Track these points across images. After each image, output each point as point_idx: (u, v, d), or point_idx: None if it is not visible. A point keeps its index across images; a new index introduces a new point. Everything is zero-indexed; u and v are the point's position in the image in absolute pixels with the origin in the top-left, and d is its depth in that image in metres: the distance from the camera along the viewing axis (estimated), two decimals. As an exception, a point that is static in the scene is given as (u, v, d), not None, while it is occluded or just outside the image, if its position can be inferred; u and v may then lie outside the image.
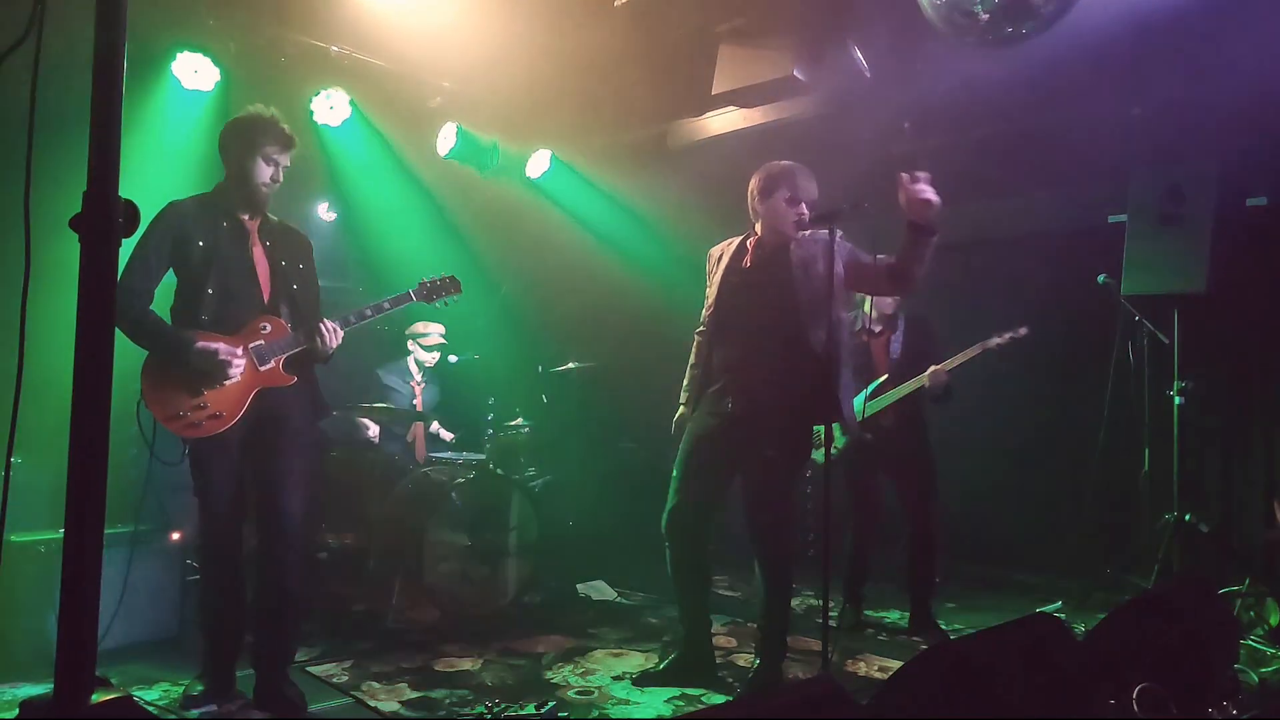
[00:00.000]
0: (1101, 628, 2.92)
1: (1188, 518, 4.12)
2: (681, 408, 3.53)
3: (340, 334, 3.04)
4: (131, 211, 1.02)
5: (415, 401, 5.34)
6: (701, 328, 3.55)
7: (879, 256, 3.19)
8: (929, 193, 2.86)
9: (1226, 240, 3.94)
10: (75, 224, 0.97)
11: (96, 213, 0.97)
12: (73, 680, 0.99)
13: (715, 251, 3.56)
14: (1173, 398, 4.20)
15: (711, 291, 3.46)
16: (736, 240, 3.51)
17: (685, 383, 3.56)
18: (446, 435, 5.48)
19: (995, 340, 4.06)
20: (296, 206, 6.02)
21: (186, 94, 4.62)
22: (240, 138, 2.95)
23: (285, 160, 3.00)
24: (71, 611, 1.00)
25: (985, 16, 2.85)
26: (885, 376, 4.16)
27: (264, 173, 2.95)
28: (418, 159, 5.90)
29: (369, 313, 3.14)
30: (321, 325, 2.99)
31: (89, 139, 0.98)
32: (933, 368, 4.05)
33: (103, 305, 0.98)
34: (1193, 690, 2.73)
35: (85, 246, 0.97)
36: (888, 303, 4.18)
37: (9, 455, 1.17)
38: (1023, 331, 4.05)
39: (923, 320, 4.33)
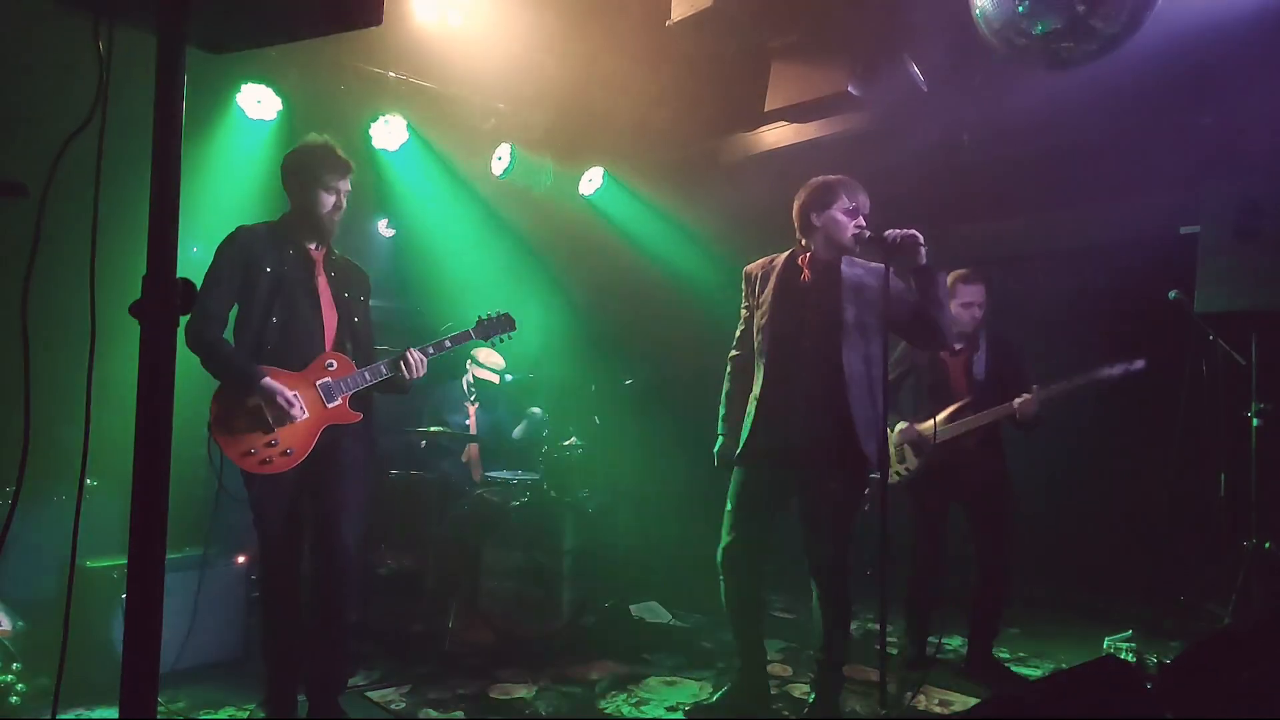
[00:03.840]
0: (1174, 667, 2.80)
1: (1267, 545, 3.95)
2: (721, 438, 3.46)
3: (425, 364, 3.12)
4: (188, 290, 1.04)
5: (469, 422, 5.40)
6: (736, 352, 3.48)
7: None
8: (909, 231, 3.02)
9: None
10: (135, 310, 1.00)
11: (156, 297, 0.99)
12: (137, 707, 1.03)
13: (754, 271, 3.43)
14: (1250, 419, 4.02)
15: (761, 313, 3.33)
16: (780, 258, 3.38)
17: (723, 411, 3.48)
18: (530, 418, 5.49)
19: (1106, 371, 3.68)
20: (356, 226, 6.17)
21: (251, 124, 4.77)
22: (299, 171, 3.00)
23: (346, 186, 3.05)
24: (135, 637, 1.03)
25: (1045, 39, 2.77)
26: (967, 399, 3.81)
27: (327, 203, 3.00)
28: (474, 180, 5.99)
29: (431, 350, 3.21)
30: (409, 354, 3.09)
31: (148, 223, 1.00)
32: (1024, 396, 3.68)
33: (163, 387, 1.00)
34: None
35: (145, 330, 0.99)
36: (966, 320, 3.86)
37: (81, 484, 1.21)
38: (1139, 364, 3.67)
39: (1006, 340, 3.98)
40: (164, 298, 0.99)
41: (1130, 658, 3.47)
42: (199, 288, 2.87)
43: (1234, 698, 2.45)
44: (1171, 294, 4.18)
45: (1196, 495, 4.46)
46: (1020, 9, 2.72)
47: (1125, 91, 4.03)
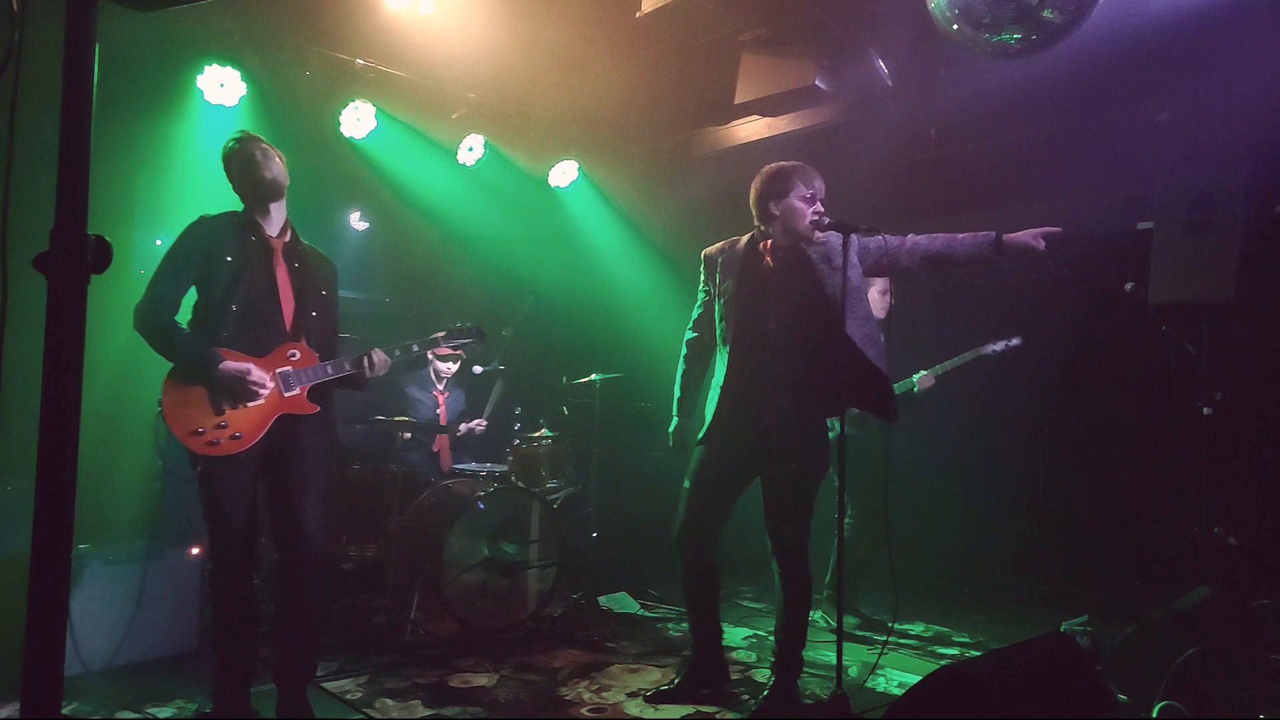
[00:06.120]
0: (1122, 645, 2.85)
1: (1216, 530, 4.01)
2: (676, 420, 3.48)
3: (388, 365, 3.12)
4: (102, 248, 1.03)
5: (439, 411, 5.37)
6: (693, 334, 3.50)
7: (909, 236, 3.27)
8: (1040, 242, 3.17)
9: (1255, 248, 3.82)
10: (41, 264, 0.98)
11: (65, 251, 0.98)
12: (40, 705, 1.01)
13: (714, 254, 3.44)
14: (1201, 408, 4.08)
15: (724, 300, 3.34)
16: (740, 242, 3.40)
17: (677, 394, 3.51)
18: (479, 427, 5.44)
19: (990, 348, 4.28)
20: (327, 218, 6.13)
21: (213, 108, 4.71)
22: (237, 154, 2.99)
23: (273, 152, 3.02)
24: (39, 637, 1.01)
25: (995, 27, 2.81)
26: None
27: (265, 165, 2.96)
28: (443, 170, 5.96)
29: (397, 353, 3.22)
30: (374, 354, 3.08)
31: (57, 174, 0.98)
32: (923, 373, 4.29)
33: (71, 346, 0.98)
34: (1219, 704, 2.66)
35: (52, 286, 0.98)
36: (882, 306, 4.21)
37: None
38: (1016, 341, 4.25)
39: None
40: (73, 252, 0.98)
41: (1085, 641, 3.53)
42: (154, 273, 2.89)
43: (1175, 673, 2.50)
44: (1127, 286, 4.26)
45: (1151, 482, 4.53)
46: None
47: (1081, 88, 4.09)
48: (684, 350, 3.53)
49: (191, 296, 2.98)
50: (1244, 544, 4.02)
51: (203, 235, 2.93)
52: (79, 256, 0.99)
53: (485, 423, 5.40)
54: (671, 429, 3.50)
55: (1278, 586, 3.72)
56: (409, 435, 5.02)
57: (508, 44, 4.89)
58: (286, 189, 3.04)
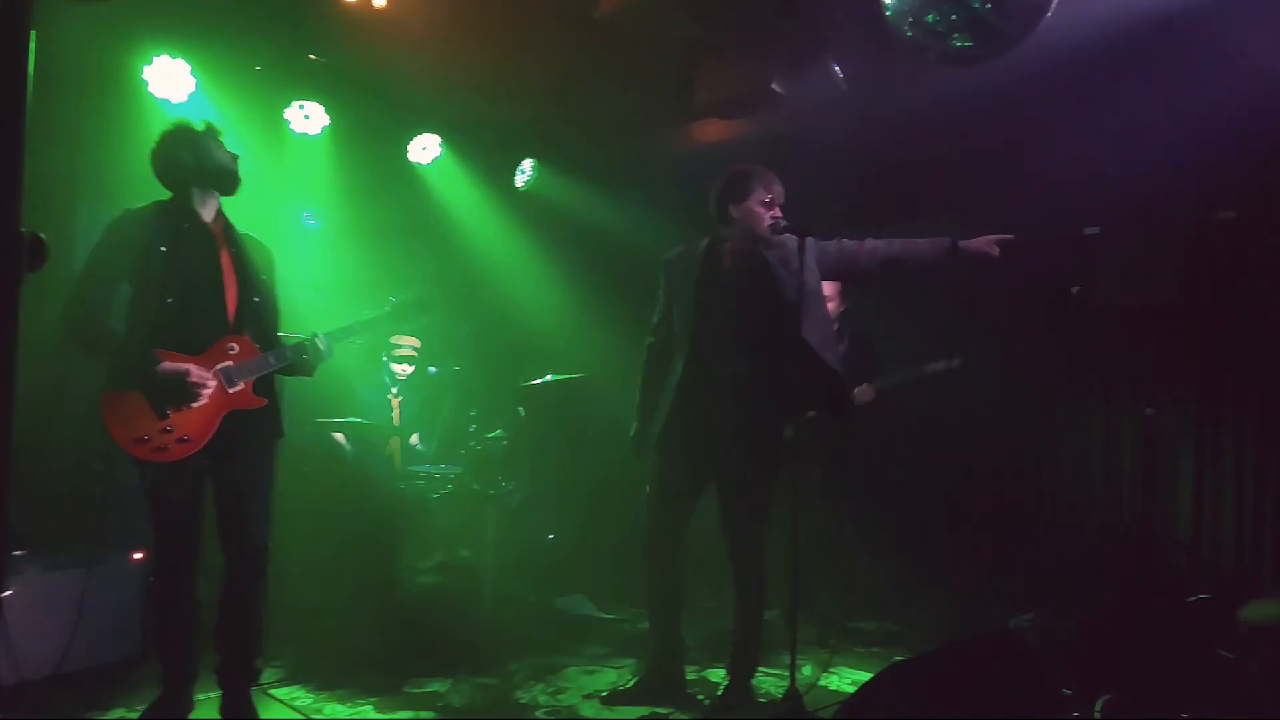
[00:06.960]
0: (1067, 641, 2.92)
1: (1158, 528, 4.13)
2: (637, 424, 3.47)
3: (331, 349, 3.05)
4: (37, 245, 0.99)
5: (393, 414, 5.29)
6: (652, 339, 3.50)
7: (867, 240, 3.31)
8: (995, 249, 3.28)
9: (1197, 252, 3.95)
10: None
11: (-4, 249, 0.94)
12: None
13: (673, 258, 3.46)
14: (1144, 409, 4.19)
15: (681, 303, 3.35)
16: (700, 244, 3.40)
17: (639, 399, 3.50)
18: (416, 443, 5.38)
19: (930, 367, 4.36)
20: (277, 215, 6.00)
21: (159, 102, 4.57)
22: (184, 139, 2.88)
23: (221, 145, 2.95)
24: None
25: (947, 34, 2.86)
26: None
27: (222, 153, 2.90)
28: (397, 168, 5.88)
29: (341, 334, 3.14)
30: (316, 340, 3.00)
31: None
32: (862, 386, 4.34)
33: (2, 345, 0.94)
34: (1162, 696, 2.74)
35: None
36: (833, 308, 4.26)
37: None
38: (956, 362, 4.35)
39: (867, 338, 4.49)
40: (4, 249, 0.94)
41: (1032, 637, 3.60)
42: (81, 274, 2.78)
43: (1117, 669, 2.56)
44: (1073, 290, 4.36)
45: (1096, 481, 4.64)
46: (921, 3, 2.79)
47: (1033, 95, 4.17)
48: (645, 355, 3.53)
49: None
50: (1185, 541, 4.14)
51: (132, 228, 2.80)
52: (11, 254, 0.95)
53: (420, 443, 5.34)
54: (633, 433, 3.49)
55: (1218, 582, 3.85)
56: (343, 441, 4.92)
57: (464, 42, 4.84)
58: None
